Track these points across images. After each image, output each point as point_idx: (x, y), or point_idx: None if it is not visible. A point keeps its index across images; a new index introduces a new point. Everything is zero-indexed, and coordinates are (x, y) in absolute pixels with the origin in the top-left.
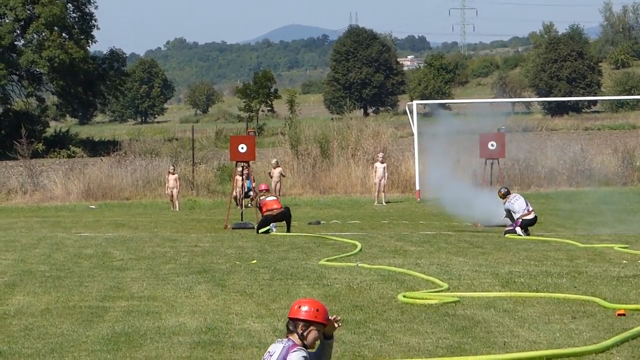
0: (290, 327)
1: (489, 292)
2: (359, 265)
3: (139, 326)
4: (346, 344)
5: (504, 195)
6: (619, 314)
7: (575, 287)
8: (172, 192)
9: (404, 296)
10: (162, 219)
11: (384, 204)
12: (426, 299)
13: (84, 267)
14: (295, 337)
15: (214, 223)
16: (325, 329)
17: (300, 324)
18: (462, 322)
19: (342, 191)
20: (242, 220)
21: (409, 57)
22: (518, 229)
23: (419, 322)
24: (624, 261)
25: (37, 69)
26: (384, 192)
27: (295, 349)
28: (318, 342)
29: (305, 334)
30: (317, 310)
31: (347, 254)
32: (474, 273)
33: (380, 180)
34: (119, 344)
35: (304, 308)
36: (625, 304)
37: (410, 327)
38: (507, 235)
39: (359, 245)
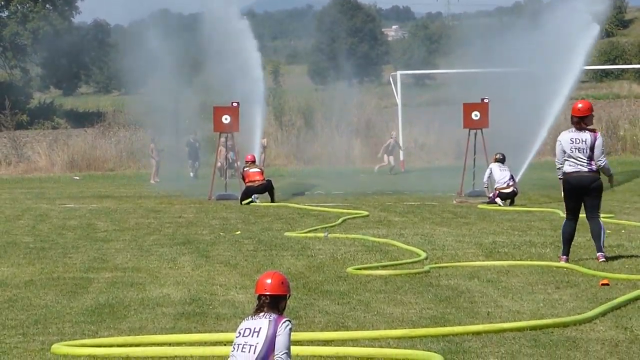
0: (272, 304)
1: (473, 261)
2: (328, 236)
3: (122, 297)
4: (330, 314)
5: (498, 160)
6: (602, 284)
7: (559, 256)
8: (156, 163)
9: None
10: (146, 190)
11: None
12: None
13: (68, 239)
14: (267, 311)
15: (198, 194)
16: None
17: (281, 299)
18: (445, 293)
19: (326, 162)
20: (226, 192)
21: (394, 27)
22: (498, 200)
23: (402, 293)
24: (608, 231)
25: (21, 41)
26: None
27: (283, 321)
28: None
29: (282, 308)
30: (288, 283)
31: (330, 225)
32: (457, 243)
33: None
34: (102, 315)
35: (282, 282)
36: (610, 273)
37: (394, 298)
38: (480, 205)
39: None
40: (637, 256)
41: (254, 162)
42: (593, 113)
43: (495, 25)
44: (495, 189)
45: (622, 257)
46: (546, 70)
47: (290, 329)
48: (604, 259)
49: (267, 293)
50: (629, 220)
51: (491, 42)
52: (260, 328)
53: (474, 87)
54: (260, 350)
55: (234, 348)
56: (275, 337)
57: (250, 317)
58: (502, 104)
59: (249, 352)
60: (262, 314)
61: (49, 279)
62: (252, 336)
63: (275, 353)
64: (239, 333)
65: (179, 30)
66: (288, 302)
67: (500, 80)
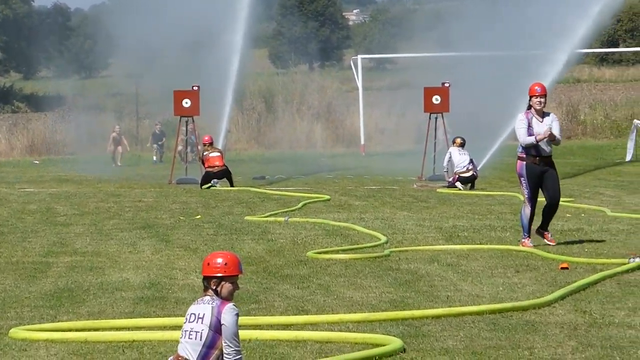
0: (205, 284)
1: (433, 245)
2: (288, 220)
3: (82, 282)
4: (290, 298)
5: (459, 145)
6: (562, 268)
7: (519, 240)
8: (117, 148)
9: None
10: (106, 174)
11: None
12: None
13: (28, 223)
14: (211, 294)
15: (158, 178)
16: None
17: (212, 280)
18: (405, 276)
19: (287, 146)
20: (186, 176)
21: (354, 11)
22: (458, 184)
23: (362, 277)
24: (568, 215)
25: None
26: None
27: (226, 307)
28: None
29: (218, 289)
30: (226, 264)
31: (291, 209)
32: (417, 227)
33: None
34: (62, 300)
35: (212, 264)
36: (569, 257)
37: (354, 282)
38: (440, 189)
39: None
40: (596, 240)
41: (211, 143)
42: (531, 94)
43: (456, 8)
44: (455, 173)
45: (582, 241)
46: (523, 53)
47: (237, 314)
48: (529, 245)
49: (212, 274)
50: (588, 204)
51: (453, 26)
52: (204, 314)
53: (434, 71)
54: (207, 337)
55: (182, 334)
56: (220, 323)
57: (196, 301)
58: (465, 88)
59: (195, 338)
60: (207, 298)
61: (8, 263)
62: (197, 322)
63: (223, 340)
64: (186, 319)
65: (140, 14)
66: (232, 284)
67: (463, 64)
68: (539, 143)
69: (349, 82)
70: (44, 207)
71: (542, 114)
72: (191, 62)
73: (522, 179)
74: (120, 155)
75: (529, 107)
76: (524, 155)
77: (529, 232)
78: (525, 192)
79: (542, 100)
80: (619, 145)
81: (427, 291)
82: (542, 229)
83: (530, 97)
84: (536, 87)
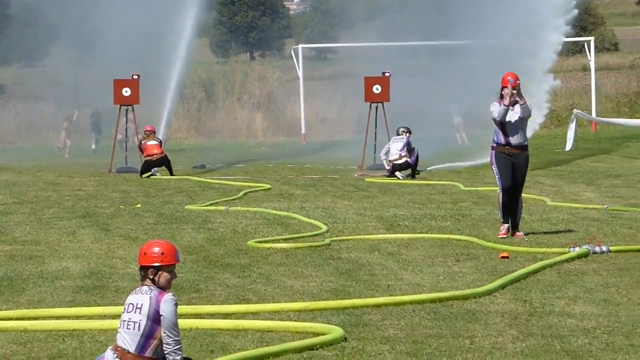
0: (142, 274)
1: (374, 234)
2: (229, 209)
3: (21, 270)
4: (230, 287)
5: (402, 133)
6: (502, 257)
7: (459, 229)
8: (65, 140)
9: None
10: (46, 163)
11: None
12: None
13: None
14: (149, 283)
15: (98, 167)
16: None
17: (149, 270)
18: (346, 265)
19: (228, 135)
20: (126, 164)
21: (295, 0)
22: (397, 173)
23: (303, 266)
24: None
25: None
26: None
27: (164, 297)
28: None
29: (155, 278)
30: (163, 253)
31: (231, 198)
32: (358, 216)
33: None
34: (1, 289)
35: (149, 253)
36: (510, 246)
37: (294, 271)
38: (367, 179)
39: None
40: (536, 230)
41: (153, 132)
42: (504, 85)
43: None
44: (390, 161)
45: (522, 230)
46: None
47: (175, 304)
48: (503, 233)
49: (149, 264)
50: (528, 194)
51: (393, 16)
52: (142, 304)
53: (375, 60)
54: (145, 327)
55: (120, 325)
56: (159, 313)
57: (134, 291)
58: (409, 78)
59: (134, 329)
60: (145, 287)
61: None
62: (134, 312)
63: (163, 331)
64: (124, 308)
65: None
66: (170, 273)
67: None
68: (511, 136)
69: (290, 72)
70: None
71: (514, 103)
72: (134, 49)
73: (493, 166)
74: (68, 148)
75: (501, 96)
76: (495, 145)
77: (504, 218)
78: (498, 182)
79: (514, 90)
80: (558, 135)
81: (368, 280)
82: (514, 229)
83: (503, 87)
84: (509, 78)
